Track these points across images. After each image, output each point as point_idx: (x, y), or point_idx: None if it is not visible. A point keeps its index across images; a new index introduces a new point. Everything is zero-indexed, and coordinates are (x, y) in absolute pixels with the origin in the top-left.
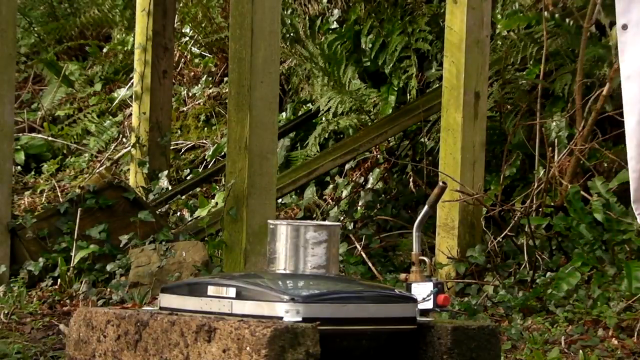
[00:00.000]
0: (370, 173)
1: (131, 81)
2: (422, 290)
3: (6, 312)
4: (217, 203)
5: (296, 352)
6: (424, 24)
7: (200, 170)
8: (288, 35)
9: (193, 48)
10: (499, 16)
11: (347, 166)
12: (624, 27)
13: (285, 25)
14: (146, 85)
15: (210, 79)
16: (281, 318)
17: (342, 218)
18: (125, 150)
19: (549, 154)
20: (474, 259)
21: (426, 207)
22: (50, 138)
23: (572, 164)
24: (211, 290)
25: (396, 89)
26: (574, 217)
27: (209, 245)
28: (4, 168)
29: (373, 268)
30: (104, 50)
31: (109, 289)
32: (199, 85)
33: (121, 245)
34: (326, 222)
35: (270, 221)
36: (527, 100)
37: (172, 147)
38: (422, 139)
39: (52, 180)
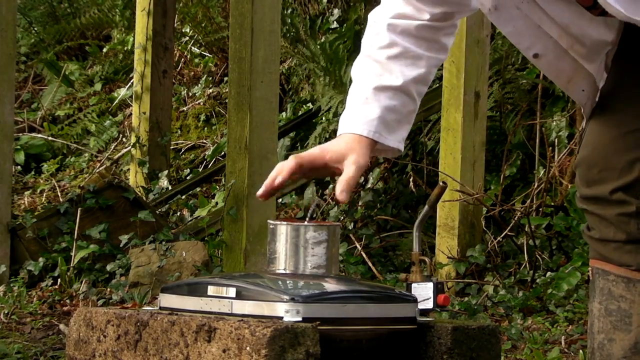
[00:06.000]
0: (370, 173)
1: (131, 81)
2: (422, 290)
3: (6, 312)
4: (217, 203)
5: (296, 352)
6: None
7: (200, 170)
8: (289, 35)
9: (193, 48)
10: None
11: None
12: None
13: (286, 24)
14: (146, 85)
15: (210, 78)
16: (281, 318)
17: (342, 218)
18: (125, 150)
19: (549, 153)
20: (474, 258)
21: (426, 207)
22: (50, 138)
23: (572, 164)
24: (211, 290)
25: None
26: (574, 217)
27: (209, 245)
28: (4, 168)
29: (373, 268)
30: (104, 50)
31: (109, 289)
32: (199, 85)
33: (121, 245)
34: (326, 222)
35: (270, 221)
36: (527, 100)
37: (172, 147)
38: (422, 139)
39: (52, 180)
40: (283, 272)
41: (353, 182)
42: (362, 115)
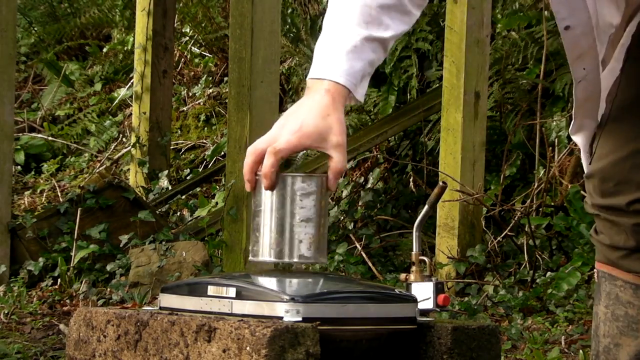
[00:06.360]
0: (370, 173)
1: (131, 81)
2: (422, 290)
3: (6, 312)
4: (217, 203)
5: (296, 352)
6: (424, 24)
7: (200, 170)
8: (289, 35)
9: (193, 48)
10: (499, 16)
11: (347, 166)
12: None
13: (286, 24)
14: (146, 85)
15: (210, 78)
16: (281, 318)
17: (342, 218)
18: (125, 150)
19: (549, 153)
20: (474, 258)
21: (426, 207)
22: (50, 138)
23: (572, 164)
24: (211, 290)
25: (396, 88)
26: (574, 217)
27: (209, 245)
28: (4, 168)
29: (373, 268)
30: (104, 50)
31: (109, 289)
32: (199, 85)
33: (121, 245)
34: (315, 173)
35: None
36: (527, 100)
37: (172, 147)
38: (422, 139)
39: (52, 180)
40: (268, 226)
41: (343, 169)
42: (348, 65)
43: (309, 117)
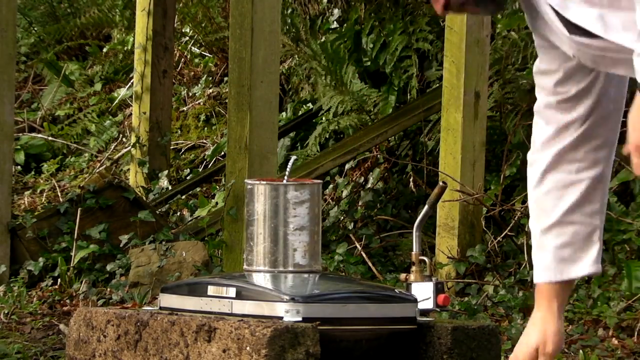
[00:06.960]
0: (370, 173)
1: (131, 81)
2: (422, 290)
3: (6, 312)
4: (217, 203)
5: (296, 352)
6: (425, 24)
7: (200, 170)
8: (289, 35)
9: (193, 48)
10: (499, 16)
11: (347, 166)
12: None
13: (286, 24)
14: (146, 85)
15: (210, 78)
16: (281, 318)
17: (342, 218)
18: (125, 150)
19: None
20: (474, 258)
21: (426, 207)
22: (50, 138)
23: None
24: (211, 290)
25: (396, 88)
26: None
27: (209, 245)
28: (4, 168)
29: (373, 268)
30: (104, 50)
31: (109, 289)
32: (199, 85)
33: (121, 245)
34: (307, 180)
35: (247, 181)
36: (527, 100)
37: (172, 147)
38: (422, 139)
39: (52, 180)
40: (262, 235)
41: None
42: (540, 264)
43: (525, 333)
